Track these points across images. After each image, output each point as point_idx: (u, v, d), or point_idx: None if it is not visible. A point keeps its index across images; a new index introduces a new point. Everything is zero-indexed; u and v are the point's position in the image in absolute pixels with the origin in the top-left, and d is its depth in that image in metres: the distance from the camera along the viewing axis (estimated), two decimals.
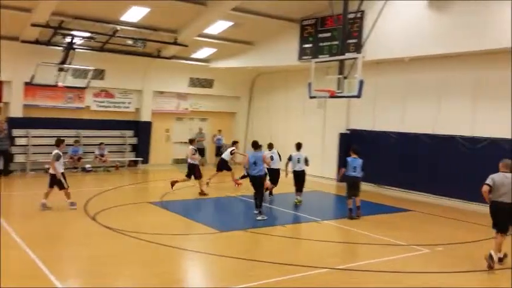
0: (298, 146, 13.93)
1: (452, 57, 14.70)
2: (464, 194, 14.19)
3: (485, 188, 8.41)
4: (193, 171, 14.61)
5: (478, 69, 14.36)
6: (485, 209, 13.19)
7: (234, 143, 16.96)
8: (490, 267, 8.21)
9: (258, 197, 11.82)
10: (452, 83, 15.11)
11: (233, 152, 16.42)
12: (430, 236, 10.73)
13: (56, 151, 11.71)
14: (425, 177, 15.46)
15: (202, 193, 14.50)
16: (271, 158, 14.14)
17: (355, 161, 12.19)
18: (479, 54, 13.95)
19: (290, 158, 13.83)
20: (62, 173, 11.73)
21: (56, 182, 11.64)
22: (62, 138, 12.67)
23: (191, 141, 15.40)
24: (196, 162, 14.77)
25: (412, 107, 16.33)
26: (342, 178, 12.82)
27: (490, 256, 8.22)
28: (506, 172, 8.45)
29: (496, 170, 8.60)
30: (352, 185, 12.23)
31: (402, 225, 11.93)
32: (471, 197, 13.91)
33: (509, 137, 13.50)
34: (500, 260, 8.48)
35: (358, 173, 12.15)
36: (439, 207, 14.33)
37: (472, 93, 14.56)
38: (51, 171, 11.76)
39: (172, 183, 14.73)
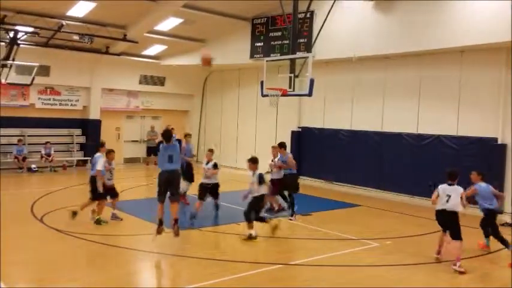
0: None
1: (397, 57, 15.26)
2: (410, 189, 14.80)
3: None
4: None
5: (422, 68, 14.99)
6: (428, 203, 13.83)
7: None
8: None
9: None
10: (398, 81, 15.69)
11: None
12: (378, 230, 11.12)
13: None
14: (373, 173, 15.98)
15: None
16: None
17: None
18: (423, 54, 14.57)
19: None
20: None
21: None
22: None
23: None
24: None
25: (360, 105, 16.82)
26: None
27: None
28: None
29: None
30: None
31: (352, 220, 12.29)
32: (417, 191, 14.55)
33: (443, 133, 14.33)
34: None
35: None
36: (386, 202, 14.86)
37: (417, 92, 15.18)
38: None
39: None
